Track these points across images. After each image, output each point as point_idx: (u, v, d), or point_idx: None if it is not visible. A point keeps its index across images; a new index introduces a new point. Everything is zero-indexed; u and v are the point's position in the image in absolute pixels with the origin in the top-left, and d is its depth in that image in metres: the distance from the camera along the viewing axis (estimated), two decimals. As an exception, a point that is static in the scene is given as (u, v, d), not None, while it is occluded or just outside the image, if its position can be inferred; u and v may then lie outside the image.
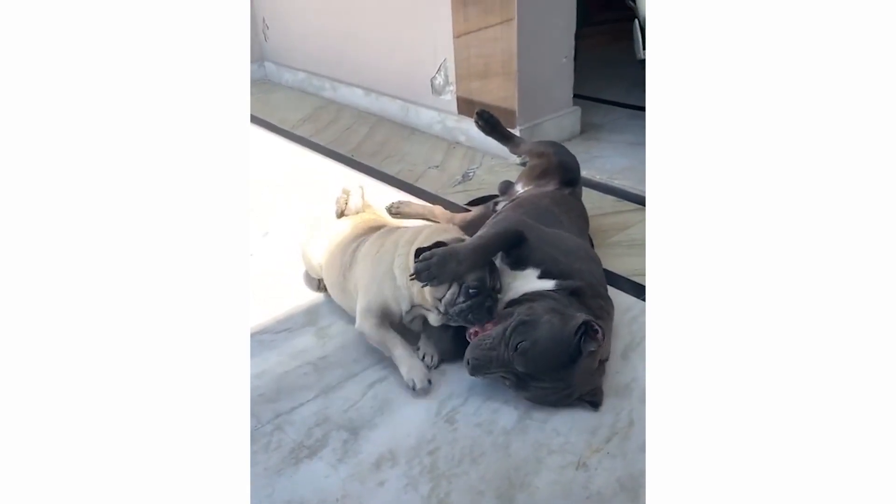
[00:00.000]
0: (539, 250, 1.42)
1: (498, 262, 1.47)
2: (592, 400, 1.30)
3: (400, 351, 1.38)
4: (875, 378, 0.63)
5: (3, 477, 0.63)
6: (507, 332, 1.25)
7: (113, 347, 0.67)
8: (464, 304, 1.32)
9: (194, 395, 0.70)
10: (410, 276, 1.34)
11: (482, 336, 1.30)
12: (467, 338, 1.33)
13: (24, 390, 0.65)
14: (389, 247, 1.45)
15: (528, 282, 1.40)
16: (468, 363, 1.27)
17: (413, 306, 1.41)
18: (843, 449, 0.64)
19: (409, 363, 1.36)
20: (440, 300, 1.34)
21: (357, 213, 1.77)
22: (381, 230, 1.57)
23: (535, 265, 1.41)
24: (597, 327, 1.23)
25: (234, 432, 0.72)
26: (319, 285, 1.73)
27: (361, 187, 1.83)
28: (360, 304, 1.44)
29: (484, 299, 1.32)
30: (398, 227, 1.56)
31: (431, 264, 1.31)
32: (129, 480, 0.67)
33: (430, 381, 1.35)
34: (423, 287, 1.35)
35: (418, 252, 1.33)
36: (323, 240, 1.69)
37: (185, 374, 0.70)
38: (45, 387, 0.65)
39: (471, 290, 1.31)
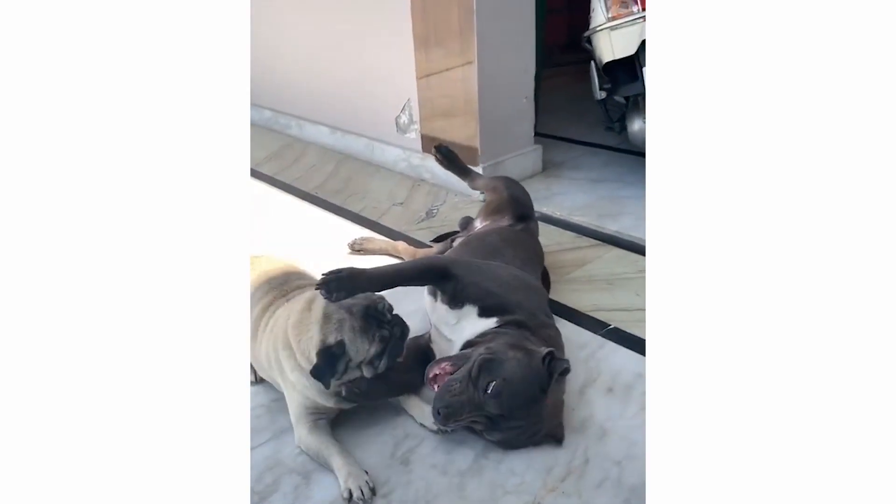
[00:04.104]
0: (472, 286, 1.42)
1: (438, 301, 1.47)
2: (555, 434, 1.29)
3: (337, 459, 1.25)
4: (879, 425, 0.64)
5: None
6: (473, 373, 1.22)
7: (107, 386, 0.68)
8: (380, 349, 1.28)
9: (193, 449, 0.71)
10: (317, 286, 1.28)
11: (448, 381, 1.24)
12: (428, 385, 1.30)
13: (22, 416, 0.65)
14: (272, 354, 1.36)
15: (471, 321, 1.40)
16: (438, 413, 1.21)
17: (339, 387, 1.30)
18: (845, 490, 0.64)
19: (347, 470, 1.22)
20: (362, 364, 1.28)
21: None
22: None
23: (473, 301, 1.41)
24: (561, 356, 1.24)
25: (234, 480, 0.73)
26: None
27: None
28: (291, 416, 1.36)
29: (390, 332, 1.29)
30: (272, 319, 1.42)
31: (342, 276, 1.27)
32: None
33: (372, 490, 1.20)
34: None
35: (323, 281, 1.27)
36: None
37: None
38: (34, 420, 0.65)
39: (382, 335, 1.28)
